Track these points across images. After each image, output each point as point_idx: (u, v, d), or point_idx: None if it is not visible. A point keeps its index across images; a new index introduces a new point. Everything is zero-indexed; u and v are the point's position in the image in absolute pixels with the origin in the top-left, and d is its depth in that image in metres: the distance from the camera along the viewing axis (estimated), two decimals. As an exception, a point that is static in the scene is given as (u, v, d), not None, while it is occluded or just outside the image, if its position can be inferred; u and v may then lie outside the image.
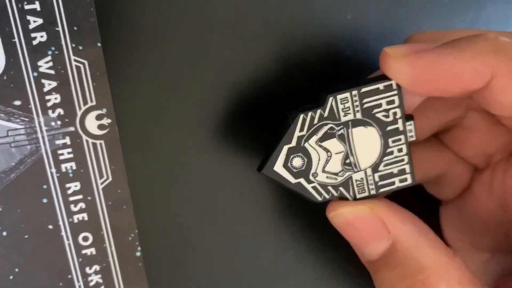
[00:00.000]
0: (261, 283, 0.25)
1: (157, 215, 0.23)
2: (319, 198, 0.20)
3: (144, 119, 0.22)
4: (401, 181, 0.20)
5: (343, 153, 0.20)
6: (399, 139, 0.20)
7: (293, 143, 0.19)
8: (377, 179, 0.20)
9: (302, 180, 0.20)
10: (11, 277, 0.20)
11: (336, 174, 0.20)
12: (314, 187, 0.20)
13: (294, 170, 0.20)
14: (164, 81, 0.22)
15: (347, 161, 0.20)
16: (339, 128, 0.19)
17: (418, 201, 0.24)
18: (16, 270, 0.20)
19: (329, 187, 0.20)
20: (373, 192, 0.20)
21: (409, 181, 0.20)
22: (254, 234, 0.24)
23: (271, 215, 0.24)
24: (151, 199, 0.22)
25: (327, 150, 0.20)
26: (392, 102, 0.20)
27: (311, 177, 0.20)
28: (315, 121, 0.19)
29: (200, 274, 0.24)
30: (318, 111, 0.19)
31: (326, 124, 0.19)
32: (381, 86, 0.19)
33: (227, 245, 0.24)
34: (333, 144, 0.20)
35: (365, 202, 0.19)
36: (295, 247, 0.25)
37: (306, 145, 0.19)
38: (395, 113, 0.20)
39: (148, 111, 0.22)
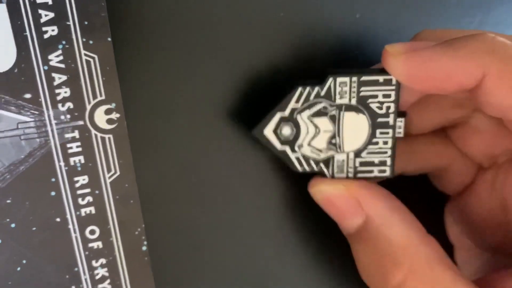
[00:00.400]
0: (265, 280, 0.25)
1: (164, 210, 0.23)
2: (300, 169, 0.21)
3: (152, 114, 0.22)
4: (380, 171, 0.21)
5: (330, 133, 0.21)
6: (387, 132, 0.21)
7: (286, 113, 0.20)
8: (357, 164, 0.21)
9: (287, 148, 0.21)
10: (18, 269, 0.20)
11: (320, 150, 0.21)
12: (297, 158, 0.21)
13: (282, 138, 0.21)
14: (172, 77, 0.22)
15: (333, 141, 0.21)
16: (332, 108, 0.20)
17: (427, 198, 0.24)
18: (24, 261, 0.20)
19: (311, 161, 0.21)
20: (350, 175, 0.21)
21: (388, 173, 0.21)
22: (260, 230, 0.24)
23: (279, 213, 0.24)
24: (158, 194, 0.22)
25: (316, 126, 0.20)
26: (388, 96, 0.20)
27: (296, 148, 0.21)
28: (311, 97, 0.20)
29: (205, 269, 0.24)
30: (316, 88, 0.20)
31: (321, 102, 0.20)
32: (381, 78, 0.20)
33: (233, 241, 0.24)
34: (323, 122, 0.20)
35: (341, 181, 0.21)
36: (301, 245, 0.25)
37: (298, 117, 0.20)
38: (388, 107, 0.20)
39: (157, 106, 0.22)
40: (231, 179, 0.23)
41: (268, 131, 0.21)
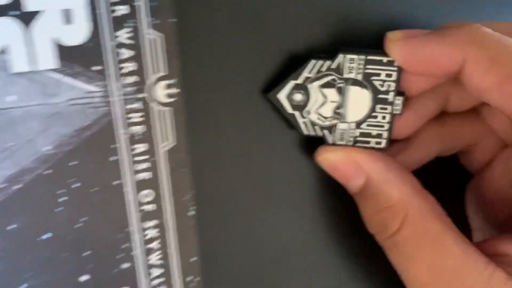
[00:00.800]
0: (305, 249, 0.26)
1: (212, 179, 0.24)
2: (305, 132, 0.23)
3: (209, 90, 0.23)
4: (376, 143, 0.23)
5: (336, 103, 0.23)
6: (386, 108, 0.23)
7: (300, 81, 0.23)
8: (357, 134, 0.23)
9: (297, 113, 0.23)
10: (78, 225, 0.22)
11: (325, 117, 0.23)
12: (304, 122, 0.23)
13: (293, 103, 0.23)
14: (228, 56, 0.23)
15: (338, 110, 0.23)
16: (340, 81, 0.22)
17: (451, 184, 0.25)
18: (84, 219, 0.22)
19: (316, 127, 0.23)
20: (349, 143, 0.23)
21: (383, 145, 0.23)
22: (304, 204, 0.26)
23: (319, 195, 0.26)
24: (208, 164, 0.24)
25: (324, 96, 0.23)
26: (390, 75, 0.22)
27: (304, 113, 0.23)
28: (323, 69, 0.22)
29: (246, 235, 0.25)
30: (328, 62, 0.22)
31: (331, 75, 0.22)
32: (385, 59, 0.22)
33: (279, 211, 0.25)
34: (331, 93, 0.23)
35: (343, 148, 0.23)
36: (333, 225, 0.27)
37: (309, 86, 0.23)
38: (389, 85, 0.22)
39: (213, 83, 0.23)
40: (278, 156, 0.25)
41: (282, 96, 0.23)
